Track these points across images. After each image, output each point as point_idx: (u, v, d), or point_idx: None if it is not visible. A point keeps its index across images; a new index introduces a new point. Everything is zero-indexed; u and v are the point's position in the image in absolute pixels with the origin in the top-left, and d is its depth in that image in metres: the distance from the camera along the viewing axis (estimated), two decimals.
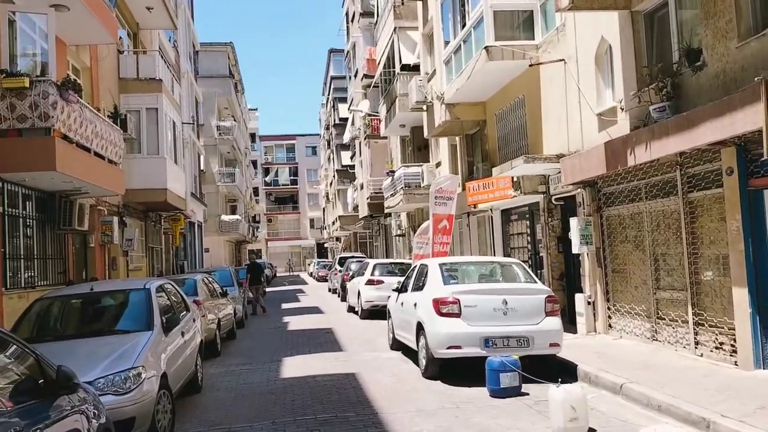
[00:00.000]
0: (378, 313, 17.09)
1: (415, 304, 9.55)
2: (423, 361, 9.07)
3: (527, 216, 14.65)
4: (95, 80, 15.47)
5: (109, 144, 13.26)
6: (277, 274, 58.88)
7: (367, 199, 32.45)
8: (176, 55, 26.39)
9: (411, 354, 10.66)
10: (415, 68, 21.95)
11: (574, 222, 11.22)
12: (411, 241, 27.56)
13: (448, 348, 8.47)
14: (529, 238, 14.63)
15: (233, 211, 44.58)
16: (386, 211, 28.46)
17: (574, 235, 11.18)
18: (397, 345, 11.46)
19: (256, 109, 74.16)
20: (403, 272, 17.54)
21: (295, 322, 17.60)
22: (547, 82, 12.91)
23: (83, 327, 7.48)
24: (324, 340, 13.63)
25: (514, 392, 7.70)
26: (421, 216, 25.89)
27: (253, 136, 70.29)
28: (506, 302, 8.51)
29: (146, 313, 7.17)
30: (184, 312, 8.80)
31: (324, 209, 69.35)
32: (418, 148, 25.87)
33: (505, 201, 15.01)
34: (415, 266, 10.91)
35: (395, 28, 23.27)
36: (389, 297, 16.86)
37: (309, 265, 61.54)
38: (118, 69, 17.76)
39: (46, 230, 12.72)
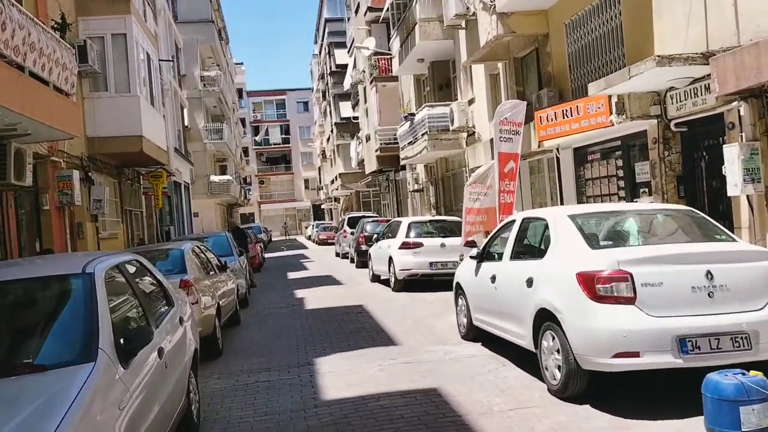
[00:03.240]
0: (415, 283, 13.68)
1: (530, 281, 6.07)
2: (554, 372, 5.63)
3: (619, 153, 11.14)
4: None
5: (54, 64, 9.49)
6: (273, 239, 55.21)
7: (376, 151, 28.74)
8: None
9: (503, 348, 7.27)
10: None
11: (732, 151, 7.71)
12: (431, 196, 24.05)
13: (616, 356, 5.01)
14: (621, 182, 11.13)
15: (223, 172, 40.69)
16: (402, 163, 24.80)
17: (733, 170, 7.70)
18: (474, 333, 8.06)
19: (241, 63, 69.61)
20: (447, 232, 14.04)
21: (311, 298, 14.13)
22: None
23: None
24: (361, 326, 10.15)
25: None
26: (444, 166, 22.34)
27: (240, 92, 65.83)
28: (711, 275, 5.04)
29: (83, 327, 3.55)
30: (165, 308, 5.29)
31: (320, 168, 65.46)
32: (438, 86, 22.13)
33: (578, 137, 11.53)
34: (511, 221, 7.38)
35: None
36: (431, 264, 13.51)
37: (307, 228, 57.98)
38: None
39: None
